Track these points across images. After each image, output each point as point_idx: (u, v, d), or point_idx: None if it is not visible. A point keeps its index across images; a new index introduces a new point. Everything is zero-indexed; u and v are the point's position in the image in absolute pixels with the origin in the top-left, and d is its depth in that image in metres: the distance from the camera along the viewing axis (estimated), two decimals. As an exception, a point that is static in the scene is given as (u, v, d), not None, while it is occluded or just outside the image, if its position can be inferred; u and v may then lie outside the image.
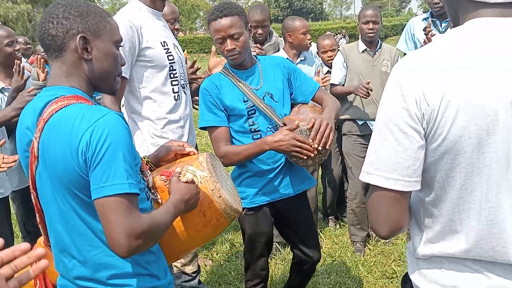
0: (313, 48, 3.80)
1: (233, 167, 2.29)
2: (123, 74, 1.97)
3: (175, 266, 2.36)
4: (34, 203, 1.37)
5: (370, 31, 3.40)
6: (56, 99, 1.25)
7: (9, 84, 2.82)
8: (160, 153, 1.68)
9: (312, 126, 1.98)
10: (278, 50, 3.58)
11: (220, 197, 1.52)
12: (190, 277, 2.41)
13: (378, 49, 3.52)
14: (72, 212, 1.25)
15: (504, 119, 0.94)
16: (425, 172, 1.05)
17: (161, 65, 2.22)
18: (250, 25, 3.20)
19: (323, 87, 2.24)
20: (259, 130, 2.14)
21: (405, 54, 3.68)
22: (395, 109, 1.01)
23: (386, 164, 1.03)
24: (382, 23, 3.56)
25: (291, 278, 2.56)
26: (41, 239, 1.49)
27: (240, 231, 4.02)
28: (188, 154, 1.70)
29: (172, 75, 2.26)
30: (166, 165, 1.66)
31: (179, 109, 2.31)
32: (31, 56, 5.76)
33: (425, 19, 3.65)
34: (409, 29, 3.73)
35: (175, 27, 3.06)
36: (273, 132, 2.10)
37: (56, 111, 1.21)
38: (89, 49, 1.29)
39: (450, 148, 0.98)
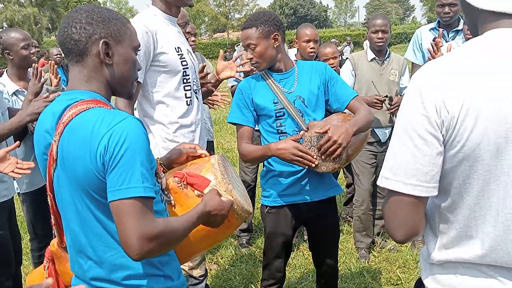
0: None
1: (264, 165, 2.41)
2: (138, 79, 2.00)
3: (183, 269, 2.37)
4: (50, 205, 1.39)
5: (379, 40, 3.43)
6: (76, 103, 1.27)
7: (23, 86, 2.85)
8: (172, 156, 1.71)
9: (323, 133, 2.02)
10: None
11: (232, 197, 1.53)
12: (198, 281, 2.42)
13: (387, 58, 3.54)
14: (89, 213, 1.27)
15: None
16: (443, 178, 1.06)
17: (175, 70, 2.24)
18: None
19: (359, 97, 2.27)
20: (285, 132, 2.21)
21: (413, 63, 3.71)
22: (415, 115, 1.02)
23: (405, 169, 1.04)
24: (391, 32, 3.59)
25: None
26: (54, 241, 1.51)
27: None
28: (199, 156, 1.72)
29: (185, 80, 2.28)
30: (178, 167, 1.68)
31: (191, 114, 2.32)
32: (41, 59, 5.80)
33: (432, 29, 3.67)
34: (416, 39, 3.75)
35: (186, 30, 3.08)
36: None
37: (76, 115, 1.24)
38: (110, 54, 1.32)
39: (469, 155, 1.00)
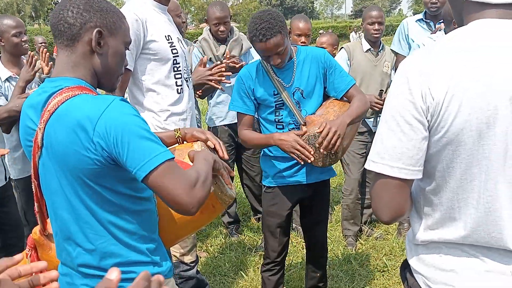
0: None
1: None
2: (127, 67, 2.02)
3: (174, 255, 2.41)
4: (34, 192, 1.40)
5: (375, 31, 3.46)
6: (61, 90, 1.27)
7: (17, 73, 2.83)
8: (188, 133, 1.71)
9: (321, 132, 2.11)
10: (242, 46, 3.59)
11: (215, 184, 1.55)
12: (189, 267, 2.46)
13: (381, 49, 3.58)
14: (78, 201, 1.28)
15: (503, 114, 1.01)
16: (427, 162, 1.12)
17: (165, 58, 2.26)
18: (206, 22, 3.29)
19: (356, 86, 2.34)
20: (282, 122, 2.30)
21: (398, 54, 3.76)
22: (402, 102, 1.07)
23: (391, 153, 1.09)
24: (385, 23, 3.63)
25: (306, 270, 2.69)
26: (36, 229, 1.51)
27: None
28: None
29: (175, 68, 2.29)
30: None
31: (182, 102, 2.34)
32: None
33: (419, 20, 3.73)
34: (402, 29, 3.79)
35: (182, 21, 3.08)
36: (294, 126, 2.28)
37: (62, 103, 1.23)
38: (102, 44, 1.33)
39: (452, 139, 1.05)
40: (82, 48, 1.31)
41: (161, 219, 1.48)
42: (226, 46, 3.55)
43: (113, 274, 0.74)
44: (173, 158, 1.25)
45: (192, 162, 1.43)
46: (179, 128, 1.71)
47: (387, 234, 3.87)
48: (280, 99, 2.27)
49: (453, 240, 1.14)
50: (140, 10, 2.20)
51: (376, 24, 3.45)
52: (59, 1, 1.35)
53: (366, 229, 3.88)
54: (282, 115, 2.29)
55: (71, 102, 1.23)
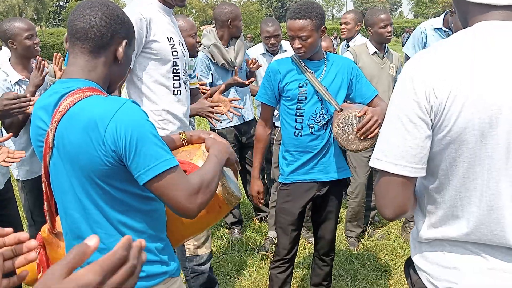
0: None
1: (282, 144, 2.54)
2: None
3: (188, 249, 2.42)
4: (44, 191, 1.41)
5: (389, 34, 3.49)
6: (72, 91, 1.29)
7: (26, 76, 2.82)
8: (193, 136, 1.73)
9: (364, 114, 2.18)
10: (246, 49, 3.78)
11: (222, 184, 1.57)
12: (203, 261, 2.45)
13: (386, 52, 3.60)
14: (88, 201, 1.30)
15: (506, 114, 1.02)
16: (430, 160, 1.13)
17: (165, 59, 2.28)
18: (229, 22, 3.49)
19: (379, 95, 2.47)
20: (303, 115, 2.37)
21: (408, 57, 3.78)
22: (406, 101, 1.09)
23: (395, 151, 1.11)
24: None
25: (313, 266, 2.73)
26: (45, 227, 1.52)
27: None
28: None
29: (174, 70, 2.32)
30: None
31: (179, 103, 2.36)
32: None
33: (437, 29, 3.71)
34: (420, 36, 3.77)
35: (196, 41, 3.15)
36: (314, 121, 2.36)
37: (74, 104, 1.25)
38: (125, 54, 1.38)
39: (455, 138, 1.07)
40: (106, 56, 1.35)
41: (167, 219, 1.50)
42: (234, 47, 3.62)
43: (92, 240, 0.69)
44: (177, 165, 1.28)
45: (208, 152, 1.48)
46: (183, 131, 1.73)
47: (389, 234, 3.89)
48: (304, 92, 2.33)
49: (456, 237, 1.16)
50: (145, 9, 2.23)
51: (388, 26, 3.47)
52: (83, 4, 1.35)
53: (368, 230, 3.89)
54: (303, 109, 2.36)
55: (83, 103, 1.25)
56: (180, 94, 2.35)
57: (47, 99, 1.34)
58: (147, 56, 2.25)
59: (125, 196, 1.31)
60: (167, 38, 2.29)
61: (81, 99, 1.26)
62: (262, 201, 2.53)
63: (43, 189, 1.41)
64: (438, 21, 3.81)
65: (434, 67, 1.07)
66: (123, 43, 1.36)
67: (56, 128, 1.27)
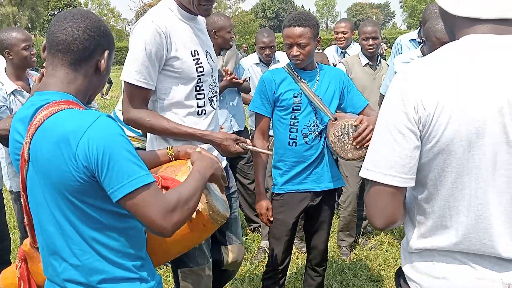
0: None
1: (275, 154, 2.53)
2: (149, 87, 1.96)
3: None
4: (23, 205, 1.38)
5: (370, 47, 3.53)
6: (47, 104, 1.26)
7: (22, 86, 2.81)
8: (180, 152, 1.72)
9: (359, 123, 2.19)
10: (236, 58, 3.75)
11: (207, 203, 1.54)
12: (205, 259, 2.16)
13: (378, 63, 3.64)
14: (61, 216, 1.26)
15: (491, 125, 1.04)
16: (419, 171, 1.15)
17: (189, 78, 2.05)
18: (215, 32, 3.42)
19: (370, 105, 2.50)
20: (297, 125, 2.37)
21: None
22: (395, 112, 1.11)
23: (385, 162, 1.13)
24: (381, 37, 3.69)
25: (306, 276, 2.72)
26: (27, 241, 1.49)
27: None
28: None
29: (198, 88, 2.09)
30: (153, 169, 1.63)
31: (202, 125, 2.13)
32: None
33: (412, 40, 3.80)
34: (397, 48, 3.86)
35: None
36: (308, 131, 2.36)
37: (48, 117, 1.23)
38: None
39: (443, 149, 1.09)
40: (86, 69, 1.33)
41: (149, 237, 1.46)
42: (223, 56, 3.60)
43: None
44: (153, 182, 1.25)
45: (193, 166, 1.45)
46: (171, 146, 1.70)
47: (381, 244, 3.90)
48: (299, 102, 2.35)
49: (445, 247, 1.17)
50: (163, 22, 1.98)
51: (370, 39, 3.51)
52: (64, 15, 1.33)
53: (360, 240, 3.90)
54: (298, 119, 2.37)
55: (57, 117, 1.22)
56: (205, 113, 2.13)
57: (25, 111, 1.31)
58: (167, 75, 2.02)
59: (99, 213, 1.26)
60: (191, 52, 2.05)
61: (56, 112, 1.23)
62: (271, 218, 2.45)
63: (22, 202, 1.38)
64: (414, 34, 3.93)
65: (422, 79, 1.09)
66: (105, 54, 1.35)
67: (30, 142, 1.25)
